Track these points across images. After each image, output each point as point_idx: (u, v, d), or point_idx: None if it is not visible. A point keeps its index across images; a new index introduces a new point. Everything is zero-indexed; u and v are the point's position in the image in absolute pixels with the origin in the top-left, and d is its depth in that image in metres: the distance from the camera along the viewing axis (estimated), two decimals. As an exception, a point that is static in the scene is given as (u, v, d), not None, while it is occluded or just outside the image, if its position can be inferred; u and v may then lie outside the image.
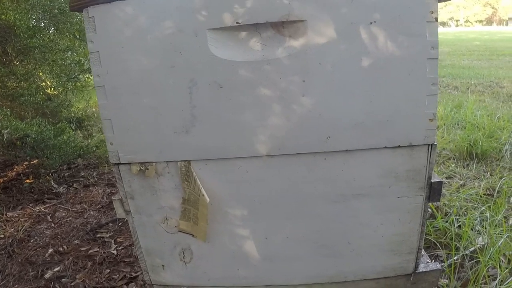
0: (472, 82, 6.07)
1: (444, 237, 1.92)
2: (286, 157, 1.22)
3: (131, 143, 1.24)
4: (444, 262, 1.73)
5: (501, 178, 2.47)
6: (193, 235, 1.33)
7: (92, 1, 1.14)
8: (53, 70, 3.26)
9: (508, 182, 2.39)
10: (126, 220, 1.37)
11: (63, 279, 1.95)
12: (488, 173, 2.66)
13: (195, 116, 1.19)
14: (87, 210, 2.67)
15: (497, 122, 3.51)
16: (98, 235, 2.33)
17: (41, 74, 3.33)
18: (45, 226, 2.49)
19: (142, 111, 1.20)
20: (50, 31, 3.24)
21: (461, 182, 2.54)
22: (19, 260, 2.12)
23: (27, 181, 3.10)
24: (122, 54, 1.16)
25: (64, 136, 2.89)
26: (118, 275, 1.94)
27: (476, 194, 2.28)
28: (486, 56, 10.05)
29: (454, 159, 2.94)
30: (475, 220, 2.00)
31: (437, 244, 1.87)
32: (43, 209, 2.70)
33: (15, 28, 2.69)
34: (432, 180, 1.25)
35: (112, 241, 2.24)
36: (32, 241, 2.32)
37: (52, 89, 3.41)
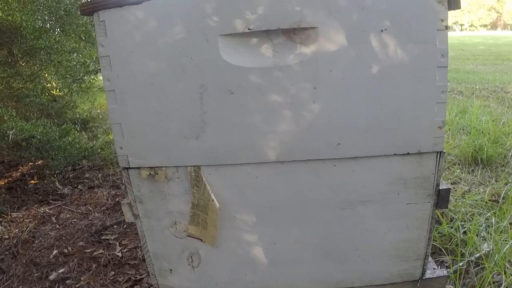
0: (477, 87, 6.07)
1: (450, 243, 1.92)
2: (296, 163, 1.23)
3: (141, 148, 1.24)
4: (450, 268, 1.73)
5: (506, 184, 2.46)
6: (201, 240, 1.33)
7: (103, 5, 1.14)
8: (59, 71, 3.26)
9: (514, 188, 2.39)
10: (131, 223, 1.37)
11: (67, 281, 1.95)
12: (493, 179, 2.65)
13: (205, 122, 1.19)
14: (92, 212, 2.67)
15: (502, 128, 3.50)
16: (103, 237, 2.33)
17: (46, 75, 3.33)
18: (49, 227, 2.49)
19: (152, 115, 1.20)
20: (56, 33, 3.24)
21: (466, 188, 2.54)
22: (24, 261, 2.12)
23: (32, 182, 3.10)
24: (133, 59, 1.16)
25: (69, 138, 2.89)
26: (123, 278, 1.94)
27: (481, 200, 2.28)
28: (491, 60, 10.04)
29: (459, 164, 2.94)
30: (481, 226, 2.00)
31: (443, 250, 1.87)
32: (47, 210, 2.70)
33: (21, 29, 2.70)
34: (440, 187, 1.26)
35: (117, 243, 2.24)
36: (36, 242, 2.32)
37: (58, 90, 3.41)
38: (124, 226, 2.43)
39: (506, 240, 1.84)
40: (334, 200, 1.27)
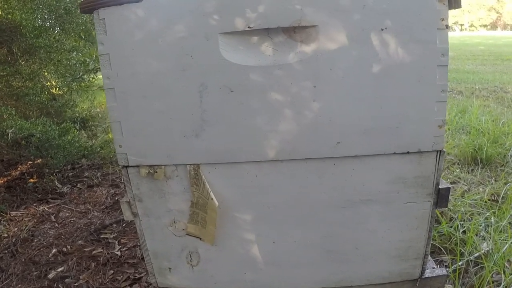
0: (477, 87, 6.07)
1: (449, 242, 1.92)
2: (296, 162, 1.22)
3: (140, 146, 1.24)
4: (449, 268, 1.73)
5: (505, 183, 2.47)
6: (200, 239, 1.33)
7: (103, 3, 1.13)
8: (58, 70, 3.27)
9: (513, 188, 2.39)
10: (130, 222, 1.37)
11: (66, 280, 1.95)
12: (493, 178, 2.66)
13: (205, 120, 1.19)
14: (91, 211, 2.67)
15: (502, 128, 3.51)
16: (102, 236, 2.33)
17: (46, 74, 3.34)
18: (48, 226, 2.49)
19: (152, 114, 1.20)
20: (56, 31, 3.24)
21: (466, 187, 2.54)
22: (23, 260, 2.12)
23: (31, 180, 3.10)
24: (133, 57, 1.16)
25: (69, 136, 2.89)
26: (122, 276, 1.94)
27: (480, 200, 2.28)
28: (491, 61, 10.04)
29: (458, 164, 2.94)
30: (480, 225, 2.00)
31: (442, 249, 1.87)
32: (46, 209, 2.70)
33: (21, 27, 2.70)
34: (440, 187, 1.26)
35: (116, 242, 2.24)
36: (35, 240, 2.32)
37: (57, 89, 3.42)
38: (123, 225, 2.43)
39: (505, 240, 1.84)
40: (333, 199, 1.27)
